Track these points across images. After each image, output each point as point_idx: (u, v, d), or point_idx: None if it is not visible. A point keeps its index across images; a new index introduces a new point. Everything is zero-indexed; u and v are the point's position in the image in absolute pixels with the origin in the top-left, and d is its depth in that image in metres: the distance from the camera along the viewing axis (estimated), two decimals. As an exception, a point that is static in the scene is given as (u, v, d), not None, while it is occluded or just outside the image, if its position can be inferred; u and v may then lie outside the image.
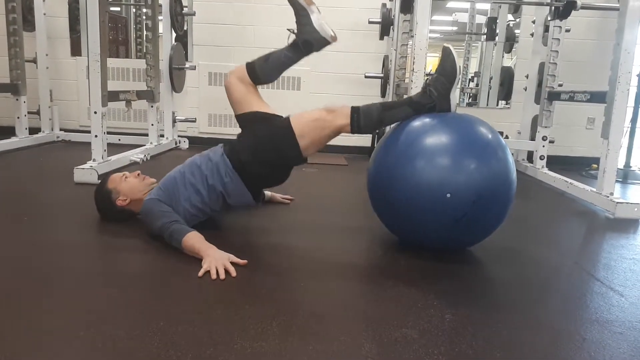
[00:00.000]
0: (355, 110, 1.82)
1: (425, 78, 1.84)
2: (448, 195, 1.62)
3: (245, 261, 1.64)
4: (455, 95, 1.82)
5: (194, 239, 1.69)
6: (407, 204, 1.71)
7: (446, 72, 1.80)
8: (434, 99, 1.80)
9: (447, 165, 1.66)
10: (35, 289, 1.43)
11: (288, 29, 2.02)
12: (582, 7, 3.45)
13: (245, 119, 1.99)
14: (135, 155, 3.34)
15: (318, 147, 1.90)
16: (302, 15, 1.98)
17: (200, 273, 1.55)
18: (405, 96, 3.17)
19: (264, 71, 2.02)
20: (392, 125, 1.91)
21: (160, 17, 3.90)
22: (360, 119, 1.82)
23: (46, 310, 1.30)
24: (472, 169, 1.64)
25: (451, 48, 1.81)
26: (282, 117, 1.93)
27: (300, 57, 2.04)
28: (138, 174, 2.04)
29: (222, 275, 1.54)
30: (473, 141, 1.71)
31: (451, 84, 1.79)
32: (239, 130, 2.02)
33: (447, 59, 1.81)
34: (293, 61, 2.04)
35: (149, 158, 3.49)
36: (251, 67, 2.01)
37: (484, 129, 1.75)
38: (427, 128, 1.76)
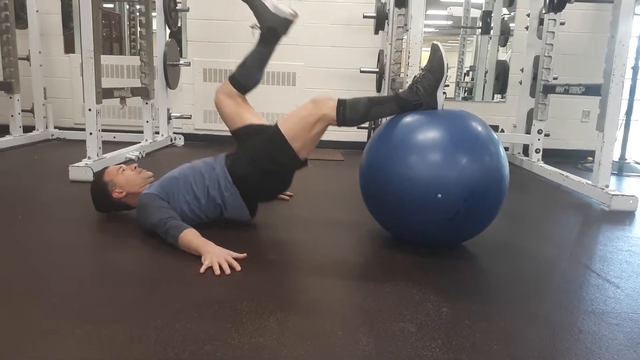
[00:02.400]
0: (341, 103, 1.82)
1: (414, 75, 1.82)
2: (439, 195, 1.62)
3: (244, 255, 1.65)
4: (442, 92, 1.80)
5: (192, 235, 1.69)
6: (399, 202, 1.71)
7: (434, 69, 1.79)
8: (421, 96, 1.79)
9: (438, 162, 1.65)
10: (30, 287, 1.43)
11: (250, 26, 2.01)
12: (577, 0, 3.45)
13: (240, 134, 1.98)
14: (131, 152, 3.33)
15: (312, 144, 1.89)
16: (257, 6, 1.98)
17: (202, 269, 1.55)
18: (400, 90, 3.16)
19: (245, 77, 2.02)
20: (384, 121, 1.91)
21: (154, 14, 3.88)
22: (346, 111, 1.81)
23: (42, 309, 1.30)
24: (463, 165, 1.63)
25: (440, 45, 1.80)
26: (272, 126, 1.92)
27: (273, 47, 2.03)
28: (135, 167, 2.04)
29: (227, 271, 1.54)
30: (464, 137, 1.70)
31: (438, 81, 1.78)
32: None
33: (435, 55, 1.80)
34: (268, 54, 2.03)
35: (144, 155, 3.47)
36: (233, 79, 2.02)
37: (476, 124, 1.75)
38: (418, 124, 1.75)
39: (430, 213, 1.66)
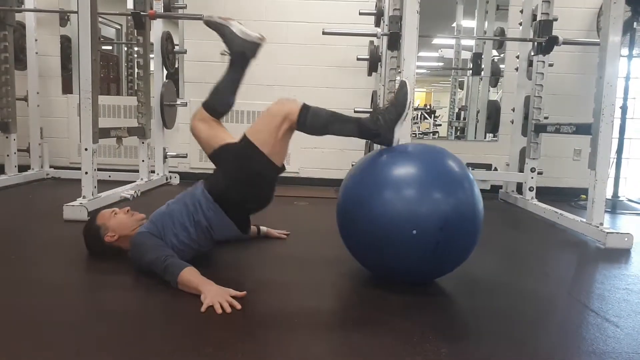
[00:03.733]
0: (306, 107, 1.84)
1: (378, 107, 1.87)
2: (414, 232, 1.62)
3: (244, 293, 1.63)
4: (400, 129, 1.82)
5: (191, 274, 1.68)
6: (375, 238, 1.70)
7: (397, 103, 1.83)
8: (379, 127, 1.81)
9: (412, 198, 1.65)
10: (23, 328, 1.40)
11: (221, 52, 2.06)
12: (564, 43, 3.56)
13: (217, 156, 1.97)
14: (126, 191, 3.32)
15: (283, 147, 1.88)
16: (225, 33, 2.03)
17: (203, 308, 1.53)
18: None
19: (218, 102, 2.05)
20: (359, 159, 1.91)
21: (151, 55, 3.96)
22: (308, 116, 1.82)
23: (35, 351, 1.27)
24: (437, 198, 1.64)
25: (408, 82, 1.85)
26: (243, 135, 1.92)
27: (243, 71, 2.06)
28: (127, 210, 2.04)
29: (228, 309, 1.53)
30: (440, 173, 1.72)
31: (399, 116, 1.81)
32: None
33: (401, 90, 1.84)
34: (238, 78, 2.06)
35: (139, 194, 3.47)
36: (207, 105, 2.05)
37: (451, 162, 1.77)
38: (393, 160, 1.77)
39: (408, 247, 1.65)
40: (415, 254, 1.67)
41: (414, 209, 1.63)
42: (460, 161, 1.81)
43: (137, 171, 3.92)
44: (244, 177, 1.88)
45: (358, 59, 4.06)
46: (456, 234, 1.67)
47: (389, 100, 1.86)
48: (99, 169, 2.98)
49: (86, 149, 2.85)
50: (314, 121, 1.84)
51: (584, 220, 2.86)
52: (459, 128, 5.23)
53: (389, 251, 1.70)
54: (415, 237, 1.62)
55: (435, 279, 1.88)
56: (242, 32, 2.01)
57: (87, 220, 2.09)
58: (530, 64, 3.87)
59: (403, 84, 1.85)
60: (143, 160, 3.91)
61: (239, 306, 1.56)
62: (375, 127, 1.82)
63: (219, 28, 2.04)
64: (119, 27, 4.92)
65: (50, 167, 4.35)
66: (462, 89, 5.22)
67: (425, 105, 6.10)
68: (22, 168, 4.06)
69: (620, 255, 2.49)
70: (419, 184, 1.68)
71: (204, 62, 4.47)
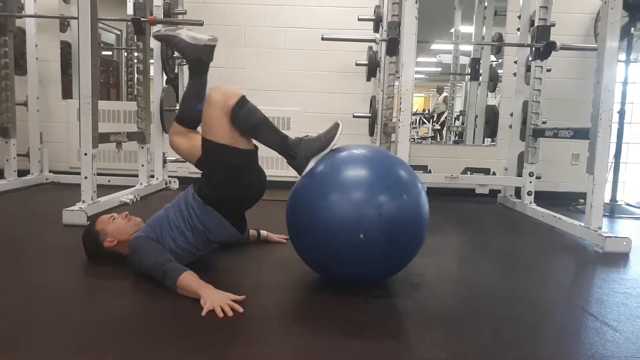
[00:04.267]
0: (243, 102, 1.80)
1: (305, 136, 1.87)
2: (361, 235, 1.63)
3: (243, 297, 1.64)
4: (314, 163, 1.82)
5: (190, 278, 1.68)
6: (322, 239, 1.71)
7: (323, 140, 1.84)
8: (299, 152, 1.82)
9: (359, 200, 1.67)
10: (23, 332, 1.40)
11: (179, 64, 2.04)
12: (562, 48, 3.58)
13: (201, 163, 1.95)
14: (125, 196, 3.32)
15: (240, 129, 1.83)
16: (176, 44, 2.03)
17: (204, 312, 1.54)
18: (392, 135, 3.21)
19: (187, 112, 2.04)
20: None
21: (151, 61, 3.97)
22: (242, 109, 1.79)
23: (34, 355, 1.27)
24: (383, 202, 1.66)
25: (340, 126, 1.86)
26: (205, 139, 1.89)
27: (203, 76, 2.05)
28: (125, 215, 2.05)
29: (230, 313, 1.54)
30: (384, 175, 1.74)
31: (319, 151, 1.82)
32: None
33: (332, 131, 1.85)
34: (201, 84, 2.05)
35: (138, 199, 3.47)
36: (177, 117, 2.06)
37: (398, 165, 1.80)
38: (341, 163, 1.79)
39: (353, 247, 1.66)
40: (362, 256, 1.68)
41: (360, 212, 1.64)
42: (405, 164, 1.83)
43: (137, 176, 3.92)
44: (221, 175, 1.87)
45: (357, 65, 4.09)
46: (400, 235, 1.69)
47: (320, 134, 1.87)
48: (98, 174, 2.99)
49: (86, 154, 2.85)
50: (246, 117, 1.81)
51: (583, 224, 2.87)
52: (457, 133, 5.25)
53: (335, 245, 1.70)
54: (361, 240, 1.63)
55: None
56: (191, 37, 2.00)
57: (86, 227, 2.10)
58: (528, 69, 3.88)
59: (337, 126, 1.87)
60: (142, 165, 3.91)
61: (240, 309, 1.57)
62: (295, 151, 1.82)
63: (169, 39, 2.03)
64: (119, 33, 4.93)
65: (50, 171, 4.36)
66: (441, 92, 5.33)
67: (424, 110, 6.12)
68: (22, 173, 4.07)
69: (619, 259, 2.50)
70: (369, 186, 1.70)
71: (203, 67, 4.47)
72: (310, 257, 1.88)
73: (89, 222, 2.14)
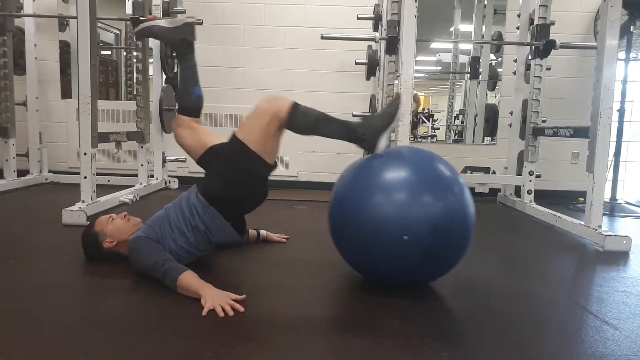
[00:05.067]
0: (296, 105, 1.81)
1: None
2: (405, 237, 1.62)
3: (244, 296, 1.64)
4: (384, 138, 1.82)
5: (190, 278, 1.68)
6: (367, 241, 1.70)
7: (388, 113, 1.83)
8: (367, 133, 1.81)
9: (404, 201, 1.66)
10: (22, 332, 1.40)
11: (171, 55, 2.04)
12: (561, 47, 3.58)
13: (205, 159, 1.96)
14: (125, 196, 3.32)
15: (274, 144, 1.86)
16: (157, 32, 2.05)
17: (205, 312, 1.53)
18: (392, 134, 3.21)
19: (186, 99, 2.06)
20: (351, 163, 1.91)
21: (150, 60, 3.96)
22: (297, 114, 1.80)
23: (33, 354, 1.27)
24: (428, 204, 1.65)
25: (403, 97, 1.85)
26: (233, 136, 1.90)
27: (192, 56, 2.10)
28: (124, 215, 2.04)
29: (230, 312, 1.54)
30: (430, 177, 1.73)
31: (386, 126, 1.81)
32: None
33: (393, 103, 1.85)
34: (193, 66, 2.10)
35: (138, 199, 3.47)
36: (179, 108, 2.07)
37: (441, 166, 1.78)
38: (384, 164, 1.78)
39: (399, 249, 1.65)
40: (406, 258, 1.67)
41: (405, 214, 1.64)
42: (450, 165, 1.81)
43: (136, 175, 3.92)
44: (237, 177, 1.87)
45: (356, 63, 4.08)
46: (447, 238, 1.67)
47: (382, 108, 1.85)
48: (98, 174, 2.98)
49: (85, 154, 2.85)
50: (302, 120, 1.82)
51: (583, 223, 2.87)
52: (457, 131, 5.25)
53: (380, 255, 1.70)
54: (406, 241, 1.62)
55: (428, 283, 1.88)
56: (169, 21, 2.03)
57: (85, 228, 2.09)
58: (527, 67, 3.88)
59: (397, 96, 1.86)
60: (142, 165, 3.91)
61: (241, 309, 1.56)
62: (362, 132, 1.81)
63: (149, 30, 2.05)
64: (118, 32, 4.93)
65: (49, 171, 4.35)
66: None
67: (424, 109, 6.12)
68: (21, 173, 4.06)
69: (619, 257, 2.50)
70: (409, 188, 1.68)
71: (202, 66, 4.39)
72: (351, 256, 1.88)
73: (88, 223, 2.13)
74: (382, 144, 1.82)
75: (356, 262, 1.89)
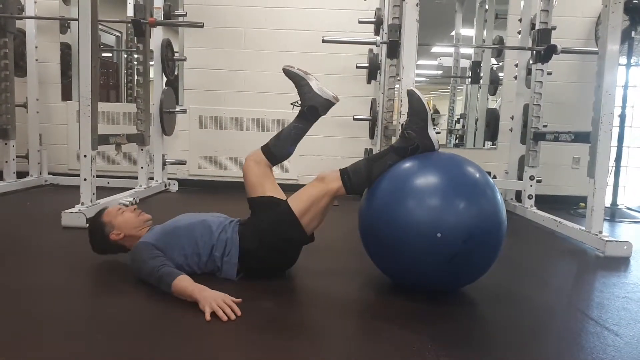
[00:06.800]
0: (344, 172, 1.86)
1: (401, 124, 1.87)
2: (439, 235, 1.62)
3: (240, 299, 1.62)
4: (433, 130, 1.84)
5: (186, 282, 1.66)
6: (398, 245, 1.70)
7: (416, 111, 1.85)
8: (414, 139, 1.83)
9: (436, 206, 1.66)
10: (21, 334, 1.39)
11: (292, 103, 2.09)
12: (563, 51, 3.58)
13: (256, 203, 2.00)
14: (125, 198, 3.31)
15: (320, 218, 1.90)
16: (302, 85, 2.08)
17: (207, 317, 1.52)
18: (393, 138, 3.22)
19: (278, 149, 2.07)
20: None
21: (151, 63, 3.97)
22: (350, 179, 1.84)
23: (32, 356, 1.26)
24: (461, 208, 1.65)
25: (414, 89, 1.87)
26: (284, 201, 1.93)
27: (309, 124, 2.10)
28: (135, 209, 2.02)
29: (232, 316, 1.53)
30: (462, 181, 1.73)
31: (425, 121, 1.83)
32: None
33: (412, 99, 1.86)
34: (304, 130, 2.10)
35: (138, 201, 3.46)
36: (266, 149, 2.07)
37: (473, 169, 1.77)
38: (416, 168, 1.78)
39: (430, 254, 1.65)
40: (431, 258, 1.66)
41: (439, 216, 1.64)
42: (479, 167, 1.82)
43: (136, 178, 3.91)
44: (275, 241, 1.88)
45: (357, 67, 4.08)
46: (475, 252, 1.68)
47: (407, 113, 1.88)
48: (97, 176, 2.98)
49: (85, 156, 2.84)
50: (357, 179, 1.85)
51: (583, 228, 2.86)
52: (458, 136, 5.24)
53: (410, 252, 1.69)
54: (436, 244, 1.62)
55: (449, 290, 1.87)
56: (319, 88, 2.07)
57: (93, 216, 2.06)
58: (529, 72, 3.88)
59: (412, 92, 1.87)
60: (142, 167, 3.90)
61: (239, 312, 1.55)
62: (410, 143, 1.83)
63: (298, 79, 2.09)
64: (119, 35, 4.93)
65: (49, 173, 4.35)
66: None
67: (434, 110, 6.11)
68: (21, 174, 4.06)
69: (620, 263, 2.49)
70: (448, 193, 1.69)
71: (203, 69, 4.48)
72: (383, 259, 1.88)
73: (96, 214, 2.07)
74: (433, 135, 1.84)
75: (386, 263, 1.89)
